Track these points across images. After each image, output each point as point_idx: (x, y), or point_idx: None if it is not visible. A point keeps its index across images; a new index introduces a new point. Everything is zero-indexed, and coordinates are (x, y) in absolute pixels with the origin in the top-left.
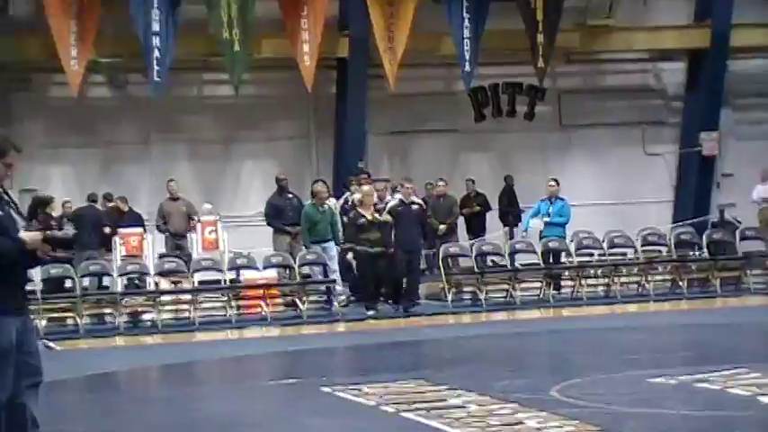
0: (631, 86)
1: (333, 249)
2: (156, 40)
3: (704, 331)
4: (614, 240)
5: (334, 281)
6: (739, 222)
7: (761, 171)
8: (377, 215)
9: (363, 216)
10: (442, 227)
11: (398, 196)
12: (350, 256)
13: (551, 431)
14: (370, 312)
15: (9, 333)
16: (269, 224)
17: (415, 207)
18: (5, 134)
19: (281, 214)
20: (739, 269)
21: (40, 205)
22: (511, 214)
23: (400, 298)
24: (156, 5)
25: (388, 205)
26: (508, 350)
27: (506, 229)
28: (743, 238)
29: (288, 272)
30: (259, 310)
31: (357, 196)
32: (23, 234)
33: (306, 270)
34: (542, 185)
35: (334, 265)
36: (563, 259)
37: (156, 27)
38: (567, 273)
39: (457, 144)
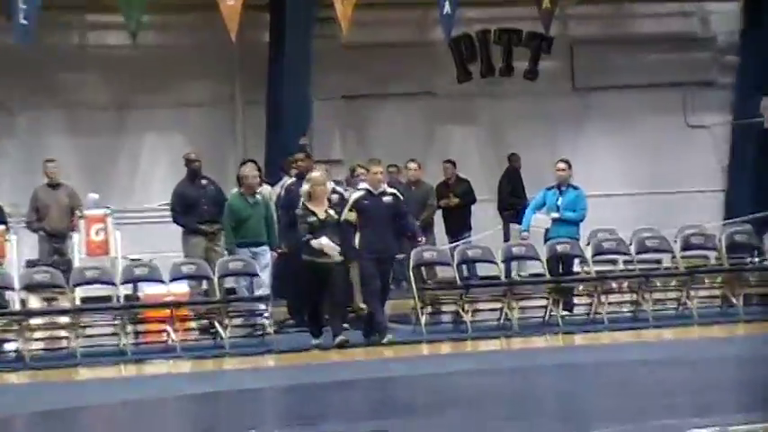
0: (669, 34)
1: (266, 256)
2: None
3: (767, 365)
4: (645, 243)
5: (268, 298)
6: None
7: None
8: (331, 212)
9: (313, 214)
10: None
11: (364, 185)
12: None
13: None
14: (316, 342)
15: None
16: (176, 221)
17: (387, 199)
18: None
19: (193, 208)
20: None
21: None
22: (515, 207)
23: (365, 325)
24: None
25: (351, 198)
26: (503, 391)
27: (502, 227)
28: None
29: (205, 285)
30: (164, 337)
31: (305, 187)
32: None
33: (230, 283)
34: (548, 169)
35: (267, 277)
36: (576, 268)
37: None
38: (581, 286)
39: (433, 112)
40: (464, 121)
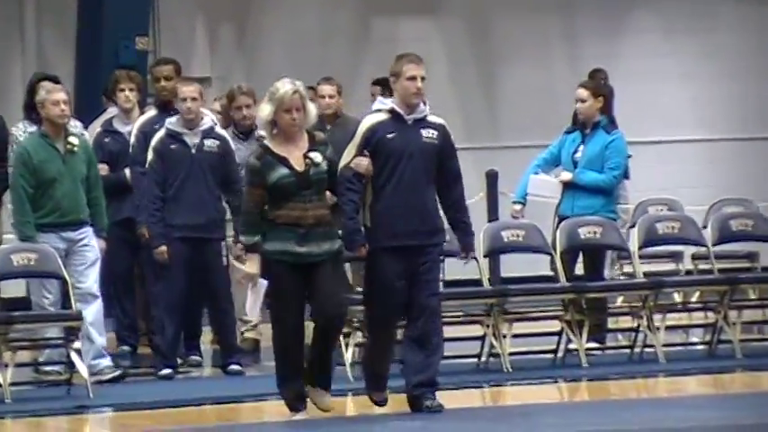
0: None
1: (91, 245)
2: None
3: None
4: (731, 225)
5: (79, 317)
6: None
7: None
8: (317, 157)
9: (283, 163)
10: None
11: (385, 103)
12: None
13: None
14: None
15: None
16: None
17: (428, 133)
18: None
19: None
20: None
21: None
22: None
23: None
24: None
25: (363, 125)
26: None
27: (484, 194)
28: None
29: None
30: None
31: (264, 112)
32: None
33: (16, 292)
34: (562, 99)
35: (93, 281)
36: (607, 271)
37: None
38: (620, 299)
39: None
40: (409, 15)
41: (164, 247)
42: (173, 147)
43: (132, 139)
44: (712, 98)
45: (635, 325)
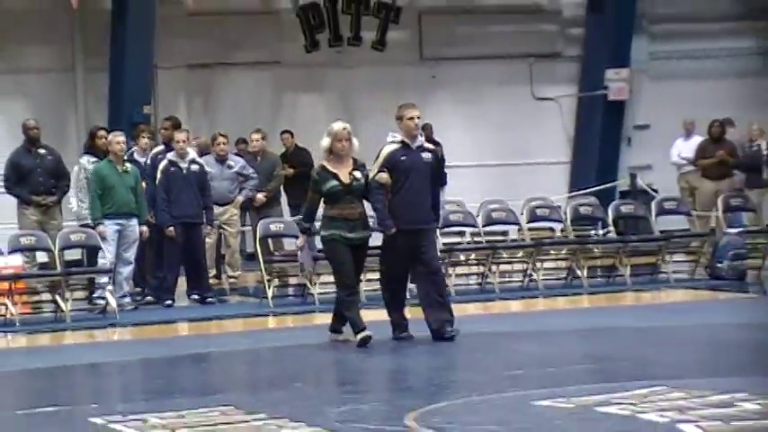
0: (516, 6)
1: (135, 229)
2: None
3: (609, 337)
4: (492, 215)
5: (111, 272)
6: (656, 191)
7: (684, 122)
8: (358, 175)
9: (335, 177)
10: (260, 195)
11: (396, 136)
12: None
13: None
14: (338, 337)
15: None
16: (10, 192)
17: (427, 156)
18: None
19: (27, 178)
20: (656, 254)
21: None
22: None
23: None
24: None
25: (384, 152)
26: (348, 364)
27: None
28: (660, 212)
29: (47, 258)
30: (2, 311)
31: (324, 142)
32: None
33: (73, 255)
34: None
35: (133, 252)
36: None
37: None
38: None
39: (281, 82)
40: (312, 91)
41: (171, 228)
42: (172, 169)
43: (148, 162)
44: (480, 139)
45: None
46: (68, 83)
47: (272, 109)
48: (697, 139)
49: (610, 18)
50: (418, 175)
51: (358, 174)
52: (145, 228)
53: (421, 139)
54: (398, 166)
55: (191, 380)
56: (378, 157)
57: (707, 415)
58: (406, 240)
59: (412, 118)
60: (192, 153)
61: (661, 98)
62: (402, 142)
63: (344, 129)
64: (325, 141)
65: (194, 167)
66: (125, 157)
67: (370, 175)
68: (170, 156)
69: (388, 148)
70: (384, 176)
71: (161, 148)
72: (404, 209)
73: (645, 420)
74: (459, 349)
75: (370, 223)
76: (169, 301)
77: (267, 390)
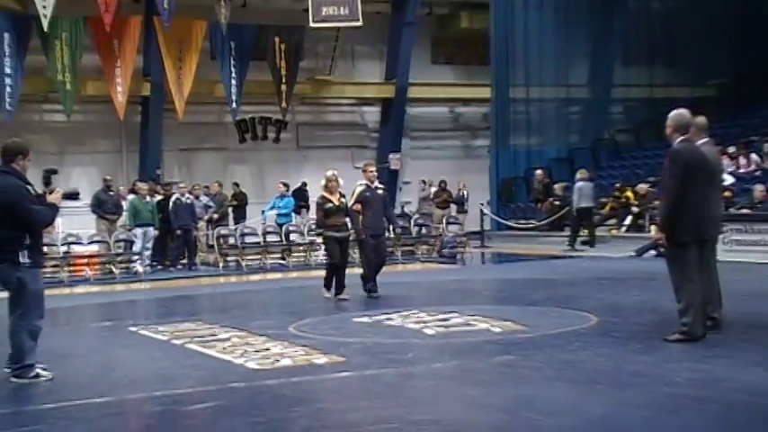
0: (345, 122)
1: (151, 232)
2: (8, 80)
3: (395, 287)
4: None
5: (140, 253)
6: (413, 213)
7: (425, 180)
8: (343, 200)
9: (330, 201)
10: (215, 216)
11: (363, 181)
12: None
13: (289, 353)
14: (327, 294)
15: (42, 281)
16: (94, 212)
17: (380, 191)
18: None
19: (103, 205)
20: (413, 245)
21: (50, 173)
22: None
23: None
24: (7, 54)
25: (356, 191)
26: (260, 300)
27: (261, 217)
28: (416, 225)
29: (110, 247)
30: (84, 273)
31: (324, 181)
32: (50, 198)
33: (120, 246)
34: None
35: (150, 244)
36: (293, 238)
37: (8, 70)
38: (300, 247)
39: (226, 159)
40: (243, 163)
41: (178, 231)
42: (178, 202)
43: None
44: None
45: (306, 254)
46: (118, 159)
47: (222, 172)
48: (432, 189)
49: (390, 128)
50: (377, 203)
51: (343, 199)
52: (156, 231)
53: (377, 182)
54: (366, 198)
55: (182, 308)
56: (353, 193)
57: (435, 324)
58: (373, 242)
59: (371, 171)
60: (189, 195)
61: (416, 169)
62: (366, 184)
63: (333, 174)
64: (323, 181)
65: (187, 201)
66: (147, 197)
67: (349, 204)
68: (176, 195)
69: (359, 189)
70: (357, 206)
71: (177, 195)
72: (370, 223)
73: (407, 328)
74: (305, 294)
75: (350, 228)
76: (173, 269)
77: (220, 313)
